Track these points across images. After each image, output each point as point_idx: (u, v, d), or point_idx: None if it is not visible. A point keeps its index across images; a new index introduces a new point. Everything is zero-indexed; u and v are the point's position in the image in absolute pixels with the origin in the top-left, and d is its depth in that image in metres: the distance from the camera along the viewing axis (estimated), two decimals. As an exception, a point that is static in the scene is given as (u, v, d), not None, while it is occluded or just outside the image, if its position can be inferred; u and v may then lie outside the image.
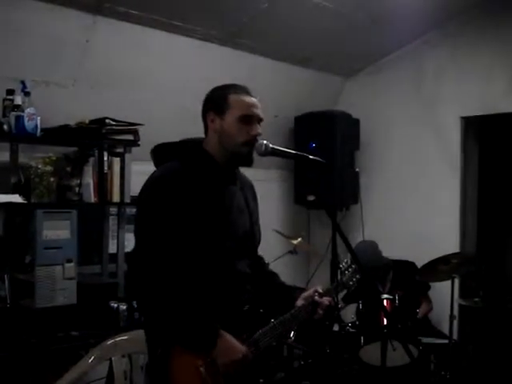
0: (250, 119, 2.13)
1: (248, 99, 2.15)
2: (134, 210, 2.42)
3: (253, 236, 2.29)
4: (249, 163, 2.17)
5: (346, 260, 2.39)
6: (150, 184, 2.11)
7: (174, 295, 1.99)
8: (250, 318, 2.17)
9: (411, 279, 4.24)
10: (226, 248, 2.14)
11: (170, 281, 1.99)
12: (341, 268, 2.36)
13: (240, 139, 2.12)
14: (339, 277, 2.33)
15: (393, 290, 4.37)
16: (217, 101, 2.15)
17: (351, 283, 2.34)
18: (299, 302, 2.30)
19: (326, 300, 2.28)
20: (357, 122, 5.16)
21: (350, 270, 2.35)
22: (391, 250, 4.66)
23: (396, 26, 4.59)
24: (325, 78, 5.23)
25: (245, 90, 2.17)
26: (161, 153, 2.23)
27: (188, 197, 2.05)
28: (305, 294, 2.32)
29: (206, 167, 2.15)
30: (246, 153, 2.14)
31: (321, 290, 2.31)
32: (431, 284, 4.46)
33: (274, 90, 4.67)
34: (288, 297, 2.36)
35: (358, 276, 2.33)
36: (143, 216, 2.09)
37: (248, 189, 2.34)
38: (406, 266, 4.45)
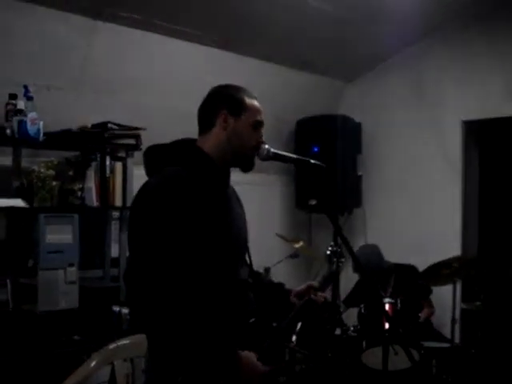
0: (260, 125, 2.14)
1: (259, 105, 2.15)
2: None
3: (247, 242, 2.25)
4: (250, 168, 2.17)
5: (330, 247, 2.43)
6: (152, 192, 1.97)
7: (190, 321, 1.87)
8: (256, 332, 2.10)
9: (413, 283, 4.25)
10: (231, 257, 2.10)
11: (184, 306, 1.87)
12: (331, 253, 2.41)
13: (251, 143, 2.11)
14: (328, 267, 2.39)
15: (394, 294, 4.38)
16: (232, 101, 2.11)
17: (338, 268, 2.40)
18: (293, 299, 2.32)
19: (320, 297, 2.30)
20: (358, 125, 5.17)
21: (335, 257, 2.40)
22: (393, 254, 4.67)
23: (396, 29, 4.60)
24: (326, 82, 5.24)
25: (253, 95, 2.17)
26: (154, 155, 2.13)
27: (192, 204, 1.96)
28: (297, 290, 2.34)
29: (204, 169, 2.08)
30: (251, 157, 2.15)
31: (316, 284, 2.33)
32: (433, 288, 4.46)
33: (275, 93, 4.68)
34: (281, 295, 2.37)
35: (342, 260, 2.39)
36: (147, 227, 1.91)
37: (234, 192, 2.28)
38: (407, 270, 4.45)
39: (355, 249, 3.93)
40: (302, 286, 2.35)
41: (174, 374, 1.93)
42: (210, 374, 1.90)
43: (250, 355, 1.98)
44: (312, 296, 2.29)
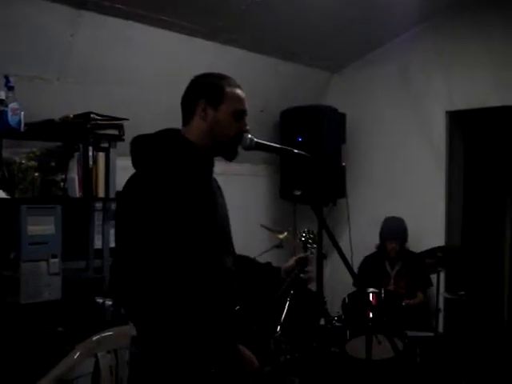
0: (242, 114, 2.12)
1: (241, 94, 2.12)
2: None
3: (231, 231, 2.25)
4: (234, 156, 2.15)
5: (304, 231, 2.52)
6: (141, 185, 1.95)
7: (185, 313, 1.87)
8: (242, 320, 2.13)
9: (416, 270, 4.29)
10: (217, 246, 2.10)
11: (178, 297, 1.87)
12: (305, 240, 2.49)
13: (232, 133, 2.10)
14: (309, 246, 2.49)
15: (398, 276, 4.44)
16: (211, 90, 2.08)
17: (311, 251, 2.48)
18: (283, 276, 2.37)
19: (310, 273, 2.39)
20: (343, 116, 5.17)
21: (310, 240, 2.48)
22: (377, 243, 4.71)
23: (383, 20, 4.61)
24: (311, 73, 5.23)
25: (236, 84, 2.14)
26: (141, 145, 2.12)
27: (181, 196, 1.95)
28: (286, 266, 2.39)
29: (191, 159, 2.07)
30: (233, 146, 2.13)
31: (302, 255, 2.40)
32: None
33: (261, 84, 4.67)
34: (271, 273, 2.40)
35: (314, 246, 2.50)
36: (137, 220, 1.89)
37: (216, 181, 2.26)
38: (414, 256, 4.47)
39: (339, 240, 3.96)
40: (290, 262, 2.38)
41: (167, 364, 1.93)
42: (204, 363, 1.90)
43: (245, 348, 1.99)
44: (301, 275, 2.34)
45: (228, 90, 2.10)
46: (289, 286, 2.34)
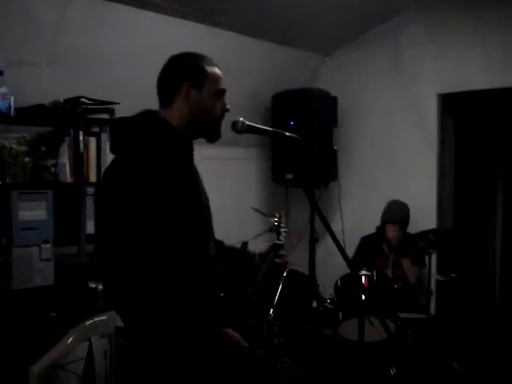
0: (223, 93, 2.11)
1: (220, 73, 2.10)
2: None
3: (211, 215, 2.23)
4: (217, 137, 2.13)
5: (277, 215, 2.57)
6: (125, 174, 1.91)
7: (172, 299, 1.86)
8: (227, 306, 2.13)
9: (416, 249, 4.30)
10: (202, 233, 2.08)
11: (165, 285, 1.86)
12: (277, 224, 2.55)
13: (216, 113, 2.08)
14: (281, 230, 2.53)
15: (399, 249, 4.44)
16: (193, 71, 2.05)
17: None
18: (258, 261, 2.40)
19: (284, 258, 2.42)
20: (335, 99, 5.16)
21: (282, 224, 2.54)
22: (368, 227, 4.72)
23: (374, 3, 4.58)
24: (303, 56, 5.21)
25: (214, 62, 2.12)
26: (121, 128, 2.08)
27: (166, 183, 1.92)
28: (262, 252, 2.42)
29: (173, 143, 2.03)
30: (218, 126, 2.11)
31: (279, 242, 2.43)
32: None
33: (252, 67, 4.65)
34: (246, 259, 2.42)
35: (285, 230, 2.54)
36: (124, 210, 1.85)
37: (195, 166, 2.21)
38: (410, 237, 4.47)
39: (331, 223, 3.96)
40: (265, 247, 2.40)
41: (157, 355, 1.91)
42: (194, 351, 1.89)
43: (232, 331, 1.99)
44: (276, 259, 2.37)
45: (209, 70, 2.08)
46: (266, 271, 2.36)
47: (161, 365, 1.92)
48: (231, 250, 2.47)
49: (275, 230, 2.54)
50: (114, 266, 1.84)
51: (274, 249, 2.40)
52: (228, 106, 2.12)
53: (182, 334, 1.87)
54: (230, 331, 1.99)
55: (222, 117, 2.10)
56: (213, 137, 2.13)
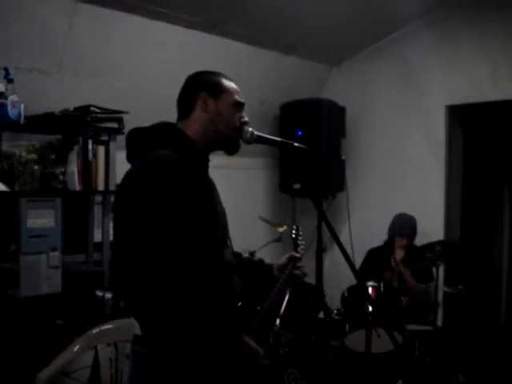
0: (241, 106, 2.13)
1: (237, 87, 2.14)
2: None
3: (228, 225, 2.24)
4: (236, 149, 2.15)
5: (294, 228, 2.57)
6: (143, 177, 1.89)
7: (191, 306, 1.84)
8: (244, 315, 2.10)
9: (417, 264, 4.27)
10: (218, 241, 2.09)
11: (184, 292, 1.84)
12: (295, 237, 2.54)
13: (234, 123, 2.10)
14: (299, 243, 2.52)
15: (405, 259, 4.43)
16: (210, 83, 2.10)
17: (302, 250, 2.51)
18: (276, 273, 2.37)
19: (302, 270, 2.39)
20: (343, 109, 5.16)
21: (300, 237, 2.53)
22: (376, 237, 4.71)
23: (382, 14, 4.59)
24: (311, 66, 5.22)
25: (231, 78, 2.16)
26: (137, 138, 2.07)
27: (184, 189, 1.90)
28: (279, 264, 2.39)
29: (189, 153, 2.03)
30: (236, 138, 2.13)
31: (297, 255, 2.40)
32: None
33: (260, 77, 4.66)
34: (264, 271, 2.40)
35: (303, 243, 2.53)
36: (141, 214, 1.83)
37: (210, 177, 2.23)
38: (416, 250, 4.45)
39: (339, 234, 3.96)
40: (283, 259, 2.39)
41: (174, 361, 1.90)
42: (212, 357, 1.88)
43: (250, 339, 1.98)
44: (294, 271, 2.35)
45: (226, 82, 2.12)
46: (285, 283, 2.35)
47: (180, 371, 1.91)
48: (249, 261, 2.50)
49: (292, 242, 2.53)
50: (132, 273, 1.84)
51: (292, 260, 2.39)
52: (247, 119, 2.14)
53: (200, 338, 1.86)
54: (250, 341, 1.98)
55: (240, 129, 2.11)
56: (232, 148, 2.14)
